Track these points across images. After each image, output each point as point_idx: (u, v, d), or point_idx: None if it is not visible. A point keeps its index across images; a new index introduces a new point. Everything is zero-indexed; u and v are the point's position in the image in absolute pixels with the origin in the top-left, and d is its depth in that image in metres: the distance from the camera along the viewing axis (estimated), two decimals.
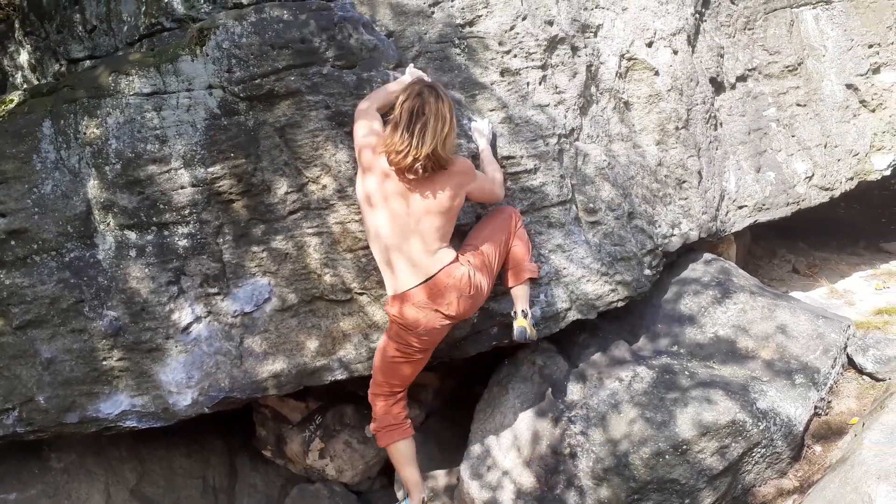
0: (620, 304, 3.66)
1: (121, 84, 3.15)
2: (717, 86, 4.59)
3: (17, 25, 4.05)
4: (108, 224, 3.16)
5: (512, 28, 3.54)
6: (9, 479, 3.62)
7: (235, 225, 3.23)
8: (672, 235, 4.03)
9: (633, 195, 3.85)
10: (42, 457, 3.72)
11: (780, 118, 4.84)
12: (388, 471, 4.01)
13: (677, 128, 4.12)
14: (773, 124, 4.81)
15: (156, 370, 3.24)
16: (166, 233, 3.19)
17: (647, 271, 3.81)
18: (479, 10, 3.50)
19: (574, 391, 3.51)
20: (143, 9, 3.59)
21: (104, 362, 3.21)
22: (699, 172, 4.20)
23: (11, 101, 3.31)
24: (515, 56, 3.54)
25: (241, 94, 3.14)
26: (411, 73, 3.19)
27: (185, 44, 3.19)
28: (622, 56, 4.03)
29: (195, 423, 3.58)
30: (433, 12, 3.44)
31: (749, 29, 4.81)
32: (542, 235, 3.48)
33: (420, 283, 2.90)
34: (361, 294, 3.29)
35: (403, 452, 3.26)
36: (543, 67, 3.61)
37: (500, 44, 3.51)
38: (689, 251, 4.37)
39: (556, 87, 3.64)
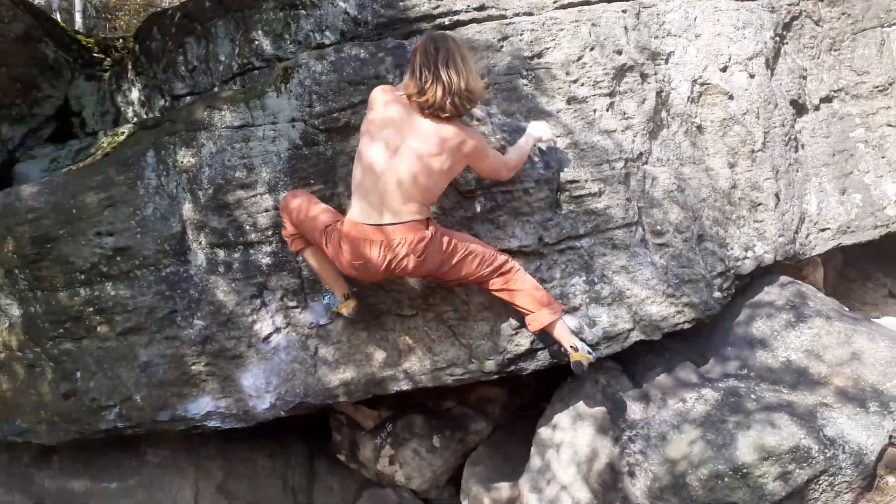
0: (687, 325, 3.66)
1: (214, 118, 3.47)
2: (799, 108, 4.48)
3: (129, 66, 4.54)
4: (200, 243, 3.48)
5: (580, 59, 3.61)
6: (110, 470, 4.01)
7: None
8: (745, 258, 3.99)
9: (703, 218, 3.84)
10: (139, 451, 4.08)
11: (868, 139, 4.66)
12: (456, 480, 4.13)
13: (752, 150, 4.07)
14: (861, 145, 4.64)
15: (238, 375, 3.53)
16: (251, 251, 3.47)
17: (717, 294, 3.78)
18: (546, 43, 3.60)
19: (636, 411, 3.54)
20: (237, 50, 3.95)
21: (192, 367, 3.52)
22: (776, 195, 4.12)
23: (122, 132, 3.72)
24: (583, 85, 3.62)
25: (321, 127, 3.41)
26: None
27: (271, 81, 3.49)
28: (694, 81, 4.01)
29: (277, 425, 3.85)
30: (502, 46, 3.58)
31: (835, 50, 4.68)
32: (605, 257, 3.53)
33: (381, 224, 2.82)
34: (427, 310, 3.47)
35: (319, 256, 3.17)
36: (611, 95, 3.67)
37: (567, 73, 3.60)
38: (768, 273, 4.29)
39: (624, 114, 3.69)
